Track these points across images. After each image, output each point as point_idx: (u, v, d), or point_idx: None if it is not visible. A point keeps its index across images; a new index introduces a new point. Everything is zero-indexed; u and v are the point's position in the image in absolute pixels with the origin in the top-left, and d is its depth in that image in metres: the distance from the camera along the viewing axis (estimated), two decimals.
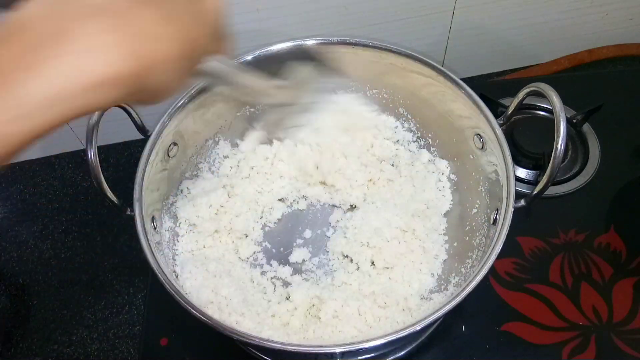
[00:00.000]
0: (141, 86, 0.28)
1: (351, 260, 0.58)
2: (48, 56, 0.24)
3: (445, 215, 0.62)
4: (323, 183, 0.64)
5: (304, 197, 0.65)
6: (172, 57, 0.29)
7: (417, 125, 0.66)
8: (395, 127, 0.67)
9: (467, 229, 0.59)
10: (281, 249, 0.61)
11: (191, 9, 0.31)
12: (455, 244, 0.59)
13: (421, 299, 0.55)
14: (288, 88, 0.47)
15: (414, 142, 0.67)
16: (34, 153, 0.80)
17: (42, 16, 0.25)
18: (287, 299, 0.56)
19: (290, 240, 0.62)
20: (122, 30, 0.26)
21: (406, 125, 0.67)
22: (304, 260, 0.60)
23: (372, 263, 0.58)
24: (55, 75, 0.24)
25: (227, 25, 0.35)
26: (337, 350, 0.43)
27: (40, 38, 0.25)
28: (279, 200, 0.64)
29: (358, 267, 0.58)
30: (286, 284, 0.58)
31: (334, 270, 0.59)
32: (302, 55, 0.48)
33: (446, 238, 0.60)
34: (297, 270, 0.59)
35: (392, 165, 0.66)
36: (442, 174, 0.64)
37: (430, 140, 0.66)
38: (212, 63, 0.37)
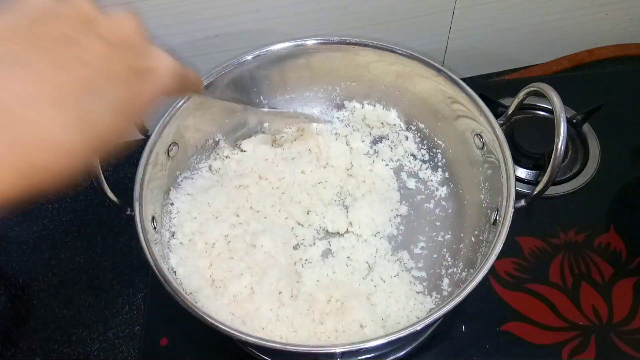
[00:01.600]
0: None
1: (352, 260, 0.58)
2: None
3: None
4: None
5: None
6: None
7: (417, 125, 0.66)
8: (395, 126, 0.67)
9: (467, 228, 0.59)
10: None
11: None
12: (455, 245, 0.59)
13: None
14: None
15: (413, 142, 0.66)
16: None
17: None
18: (287, 298, 0.56)
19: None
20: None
21: (406, 125, 0.67)
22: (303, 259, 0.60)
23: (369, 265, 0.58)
24: None
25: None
26: (337, 350, 0.43)
27: None
28: (281, 201, 0.64)
29: (358, 267, 0.58)
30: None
31: (335, 272, 0.58)
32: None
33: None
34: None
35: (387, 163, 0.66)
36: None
37: (429, 140, 0.66)
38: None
